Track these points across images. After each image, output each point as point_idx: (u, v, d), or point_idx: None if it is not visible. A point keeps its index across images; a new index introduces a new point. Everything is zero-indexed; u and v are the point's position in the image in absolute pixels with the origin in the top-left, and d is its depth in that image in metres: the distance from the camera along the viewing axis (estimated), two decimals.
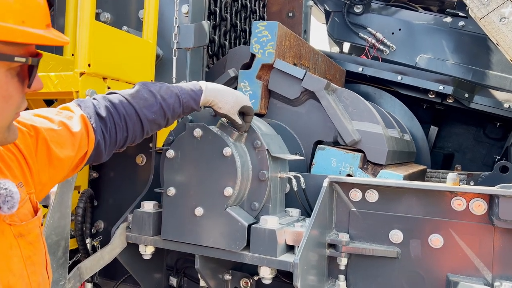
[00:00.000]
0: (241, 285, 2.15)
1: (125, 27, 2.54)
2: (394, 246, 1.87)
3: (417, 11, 3.98)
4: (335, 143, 2.34)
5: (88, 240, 2.48)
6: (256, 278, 2.10)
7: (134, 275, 2.26)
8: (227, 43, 3.26)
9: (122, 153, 2.57)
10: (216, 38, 3.15)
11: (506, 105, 3.36)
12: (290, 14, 3.92)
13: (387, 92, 3.68)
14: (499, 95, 3.44)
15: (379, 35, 3.88)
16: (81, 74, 1.76)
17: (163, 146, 2.10)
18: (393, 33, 3.89)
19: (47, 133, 1.23)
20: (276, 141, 2.06)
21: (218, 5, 3.12)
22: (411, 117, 3.61)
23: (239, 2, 3.46)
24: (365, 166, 2.24)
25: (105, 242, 2.19)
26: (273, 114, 2.49)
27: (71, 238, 2.50)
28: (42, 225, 1.17)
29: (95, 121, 1.40)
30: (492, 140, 3.78)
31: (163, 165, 2.00)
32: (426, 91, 3.55)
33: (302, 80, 2.34)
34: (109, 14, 2.68)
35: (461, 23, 3.68)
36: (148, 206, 2.06)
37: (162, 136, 2.30)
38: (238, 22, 3.43)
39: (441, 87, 3.40)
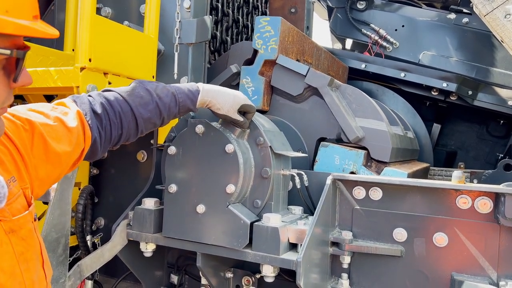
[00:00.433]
0: (243, 283, 2.13)
1: (126, 22, 2.52)
2: (398, 244, 1.86)
3: (421, 8, 3.94)
4: (339, 140, 2.31)
5: (88, 237, 2.47)
6: (258, 276, 2.08)
7: (135, 272, 2.25)
8: (229, 39, 3.23)
9: (123, 150, 2.55)
10: (218, 33, 3.12)
11: (510, 103, 3.33)
12: (293, 10, 3.89)
13: (390, 89, 3.65)
14: (503, 92, 3.41)
15: (382, 32, 3.84)
16: (82, 69, 1.73)
17: (164, 142, 2.08)
18: (396, 30, 3.85)
19: (43, 128, 1.21)
20: (279, 138, 2.04)
21: (220, 0, 3.09)
22: (414, 115, 3.58)
23: None
24: (368, 164, 2.22)
25: (105, 239, 2.17)
26: (275, 111, 2.46)
27: (71, 235, 2.49)
28: (35, 220, 1.14)
29: (91, 117, 1.38)
30: (496, 138, 3.75)
31: (165, 162, 1.98)
32: (429, 88, 3.52)
33: (305, 76, 2.32)
34: (110, 9, 2.65)
35: (465, 19, 3.63)
36: (149, 203, 2.04)
37: (163, 132, 2.27)
38: (240, 18, 3.40)
39: (444, 84, 3.37)
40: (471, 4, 2.78)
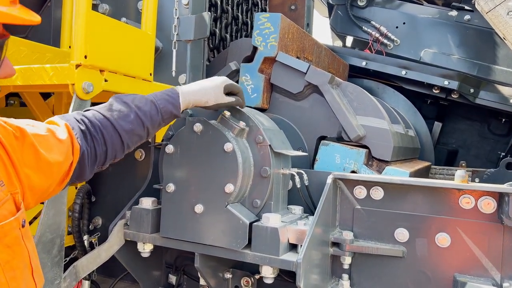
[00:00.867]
0: (242, 284, 2.10)
1: (123, 19, 2.48)
2: (399, 245, 1.83)
3: (422, 5, 3.91)
4: (339, 139, 2.29)
5: (85, 237, 2.43)
6: (257, 276, 2.05)
7: (133, 273, 2.22)
8: (228, 36, 3.20)
9: None
10: (217, 31, 3.09)
11: None
12: (293, 7, 3.86)
13: (390, 87, 3.63)
14: (505, 90, 3.39)
15: (383, 29, 3.81)
16: (77, 66, 1.69)
17: (162, 141, 2.05)
18: (397, 27, 3.82)
19: (34, 138, 1.20)
20: (278, 137, 2.00)
21: None
22: (415, 113, 3.56)
23: None
24: (370, 163, 2.19)
25: (103, 239, 2.14)
26: (275, 109, 2.44)
27: (68, 234, 2.46)
28: (23, 227, 1.11)
29: (78, 132, 1.38)
30: (497, 136, 3.73)
31: (162, 161, 1.94)
32: (430, 86, 3.49)
33: (305, 73, 2.29)
34: (107, 6, 2.62)
35: (467, 16, 3.61)
36: (147, 203, 2.00)
37: (161, 130, 2.23)
38: (239, 15, 3.37)
39: (446, 82, 3.35)
40: (473, 1, 2.76)
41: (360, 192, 1.90)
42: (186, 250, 1.93)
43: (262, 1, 3.73)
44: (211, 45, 3.03)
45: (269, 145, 1.84)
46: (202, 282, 2.16)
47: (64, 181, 1.33)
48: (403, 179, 1.83)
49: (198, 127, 1.84)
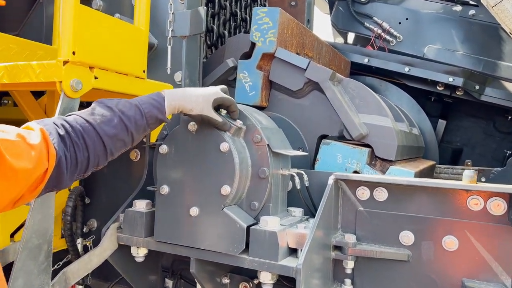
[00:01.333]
0: None
1: (117, 15, 2.41)
2: (404, 248, 1.76)
3: (425, 0, 3.84)
4: (341, 138, 2.23)
5: (79, 240, 2.36)
6: (256, 282, 1.97)
7: (127, 278, 2.14)
8: (226, 32, 3.12)
9: None
10: (215, 27, 3.02)
11: None
12: (293, 3, 3.79)
13: (393, 84, 3.57)
14: (511, 86, 3.32)
15: (385, 25, 3.75)
16: (65, 62, 1.61)
17: (156, 140, 1.97)
18: (400, 23, 3.76)
19: (1, 143, 1.13)
20: (277, 136, 1.93)
21: None
22: (418, 110, 3.51)
23: None
24: (373, 162, 2.13)
25: (98, 242, 2.06)
26: (274, 107, 2.37)
27: (61, 238, 2.39)
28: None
29: (56, 137, 1.31)
30: (503, 134, 3.66)
31: (156, 162, 1.87)
32: (434, 83, 3.43)
33: (305, 70, 2.23)
34: (101, 1, 2.54)
35: (472, 11, 3.54)
36: (141, 205, 1.93)
37: (156, 130, 2.17)
38: (238, 11, 3.30)
39: (450, 79, 3.29)
40: None
41: (363, 193, 1.83)
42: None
43: None
44: (208, 42, 2.96)
45: (267, 145, 1.77)
46: (199, 287, 2.09)
47: (37, 188, 1.26)
48: (408, 180, 1.76)
49: (192, 126, 1.77)
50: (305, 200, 1.95)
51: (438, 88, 3.43)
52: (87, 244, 2.42)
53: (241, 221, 1.69)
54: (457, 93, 3.40)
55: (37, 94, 2.57)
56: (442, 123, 3.77)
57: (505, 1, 2.69)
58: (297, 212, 1.94)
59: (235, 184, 1.71)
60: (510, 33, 2.72)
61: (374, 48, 3.75)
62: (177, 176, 1.81)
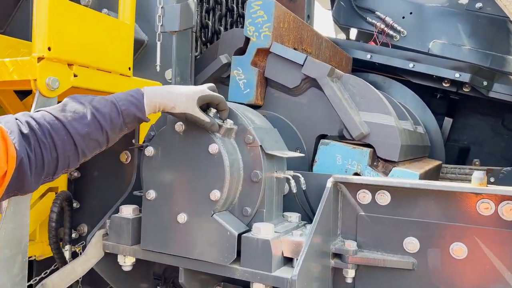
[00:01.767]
0: None
1: (105, 10, 2.31)
2: (409, 256, 1.66)
3: None
4: (341, 137, 2.14)
5: (67, 247, 2.26)
6: None
7: (116, 287, 2.04)
8: (222, 29, 3.01)
9: (107, 150, 2.34)
10: (210, 23, 2.91)
11: None
12: None
13: (397, 81, 3.47)
14: None
15: (388, 20, 3.64)
16: (40, 59, 1.50)
17: (143, 142, 1.87)
18: (403, 17, 3.65)
19: None
20: (271, 136, 1.82)
21: None
22: (423, 108, 3.41)
23: None
24: (375, 164, 2.03)
25: None
26: (270, 105, 2.28)
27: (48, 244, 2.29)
28: None
29: (17, 136, 1.21)
30: None
31: (142, 165, 1.76)
32: (440, 80, 3.33)
33: (302, 65, 2.13)
34: None
35: (479, 4, 3.43)
36: (127, 211, 1.83)
37: (145, 130, 2.06)
38: (234, 6, 3.19)
39: (457, 75, 3.19)
40: None
41: (364, 196, 1.74)
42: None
43: None
44: (203, 39, 2.86)
45: (260, 146, 1.66)
46: None
47: None
48: (412, 182, 1.66)
49: (180, 126, 1.66)
50: (302, 205, 1.86)
51: (444, 84, 3.34)
52: (77, 251, 2.32)
53: (232, 229, 1.59)
54: (464, 89, 3.31)
55: (24, 94, 2.47)
56: (448, 121, 3.68)
57: None
58: (294, 217, 1.84)
59: (225, 188, 1.60)
60: None
61: (377, 44, 3.65)
62: (164, 180, 1.70)
